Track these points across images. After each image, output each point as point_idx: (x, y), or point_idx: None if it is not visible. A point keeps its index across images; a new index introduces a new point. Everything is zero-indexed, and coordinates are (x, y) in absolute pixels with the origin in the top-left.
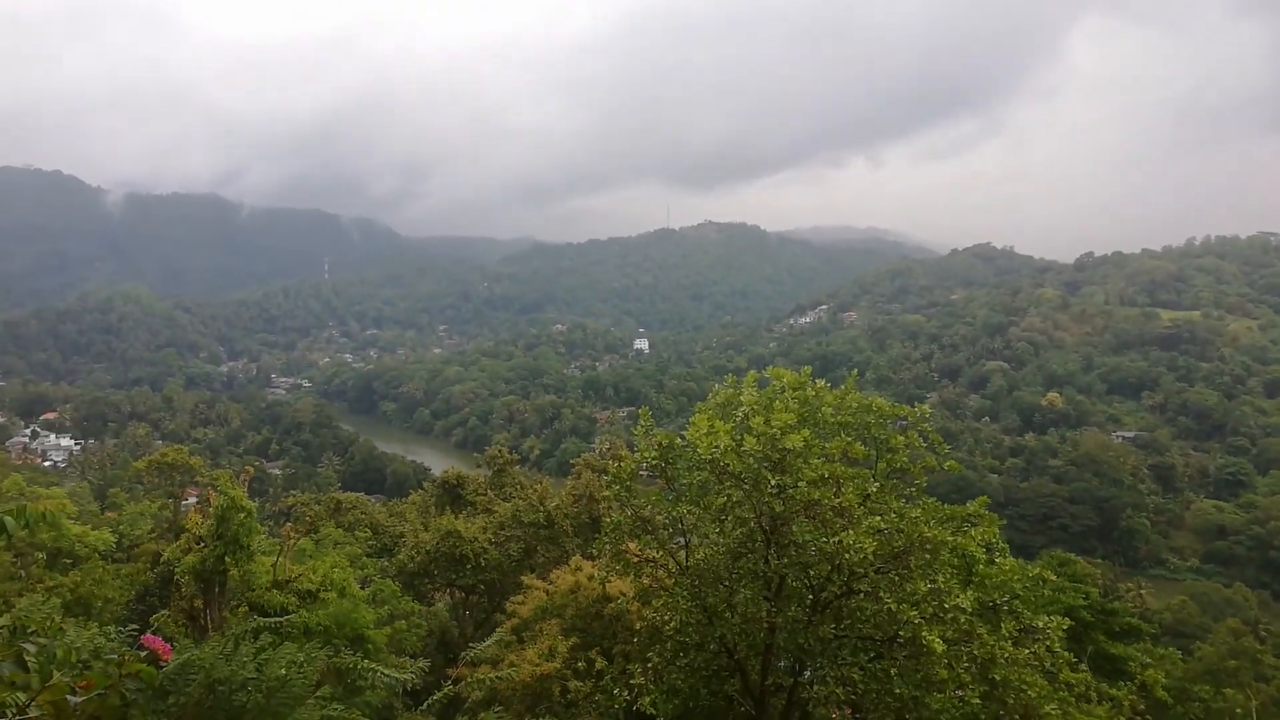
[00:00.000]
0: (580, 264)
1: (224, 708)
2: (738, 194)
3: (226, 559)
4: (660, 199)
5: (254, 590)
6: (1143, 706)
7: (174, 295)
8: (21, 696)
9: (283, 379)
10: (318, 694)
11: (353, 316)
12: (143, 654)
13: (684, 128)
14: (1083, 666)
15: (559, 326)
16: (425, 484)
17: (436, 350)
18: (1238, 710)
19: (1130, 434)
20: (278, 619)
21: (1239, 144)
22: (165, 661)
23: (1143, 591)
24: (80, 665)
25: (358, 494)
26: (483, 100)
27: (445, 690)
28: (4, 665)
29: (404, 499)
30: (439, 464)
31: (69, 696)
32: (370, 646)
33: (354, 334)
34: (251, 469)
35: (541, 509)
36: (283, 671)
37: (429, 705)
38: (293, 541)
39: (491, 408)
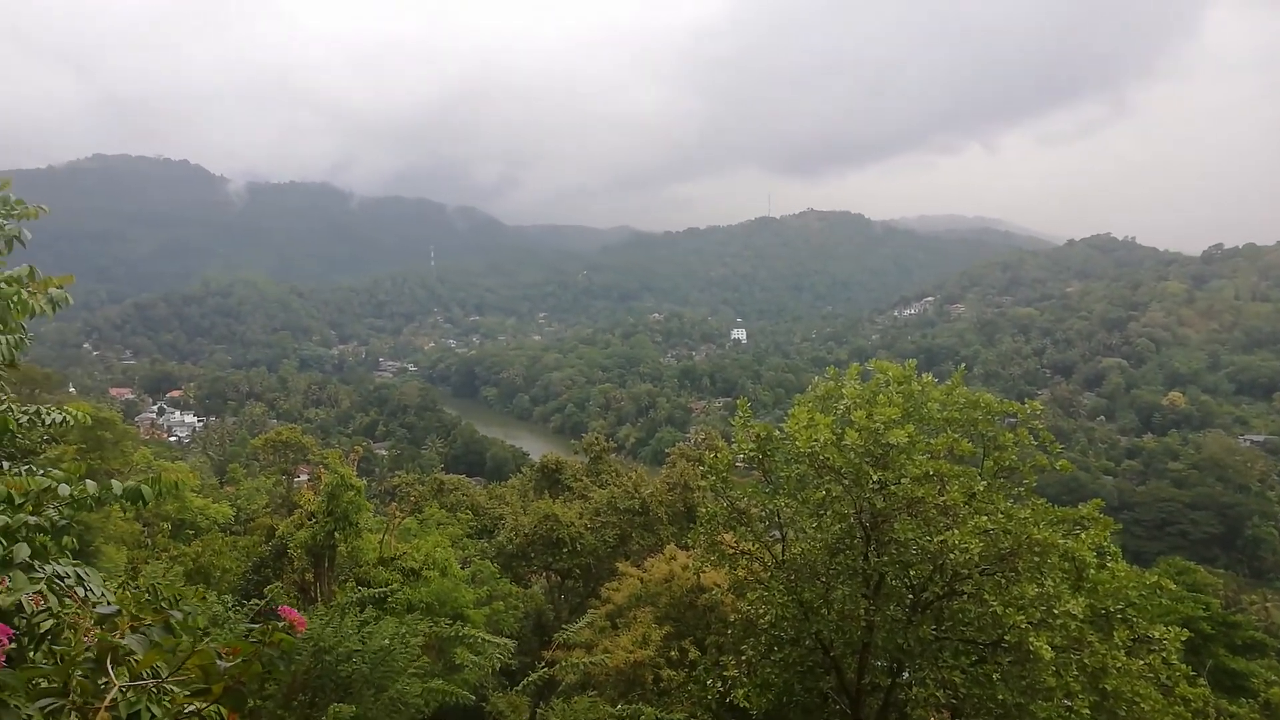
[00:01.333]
0: (678, 253)
1: (330, 676)
2: (845, 181)
3: (336, 535)
4: (761, 186)
5: (361, 566)
6: None
7: (288, 280)
8: (164, 663)
9: (390, 363)
10: (417, 666)
11: (456, 303)
12: (281, 624)
13: (792, 112)
14: (1201, 681)
15: (656, 315)
16: (524, 468)
17: (536, 337)
18: None
19: (1260, 438)
20: (381, 591)
21: None
22: (300, 632)
23: (1269, 605)
24: (204, 631)
25: (459, 476)
26: (589, 87)
27: (540, 672)
28: (154, 630)
29: (504, 482)
30: (537, 449)
31: (216, 662)
32: (470, 625)
33: (457, 320)
34: (360, 449)
35: (637, 496)
36: (386, 642)
37: (524, 686)
38: (398, 520)
39: (589, 395)
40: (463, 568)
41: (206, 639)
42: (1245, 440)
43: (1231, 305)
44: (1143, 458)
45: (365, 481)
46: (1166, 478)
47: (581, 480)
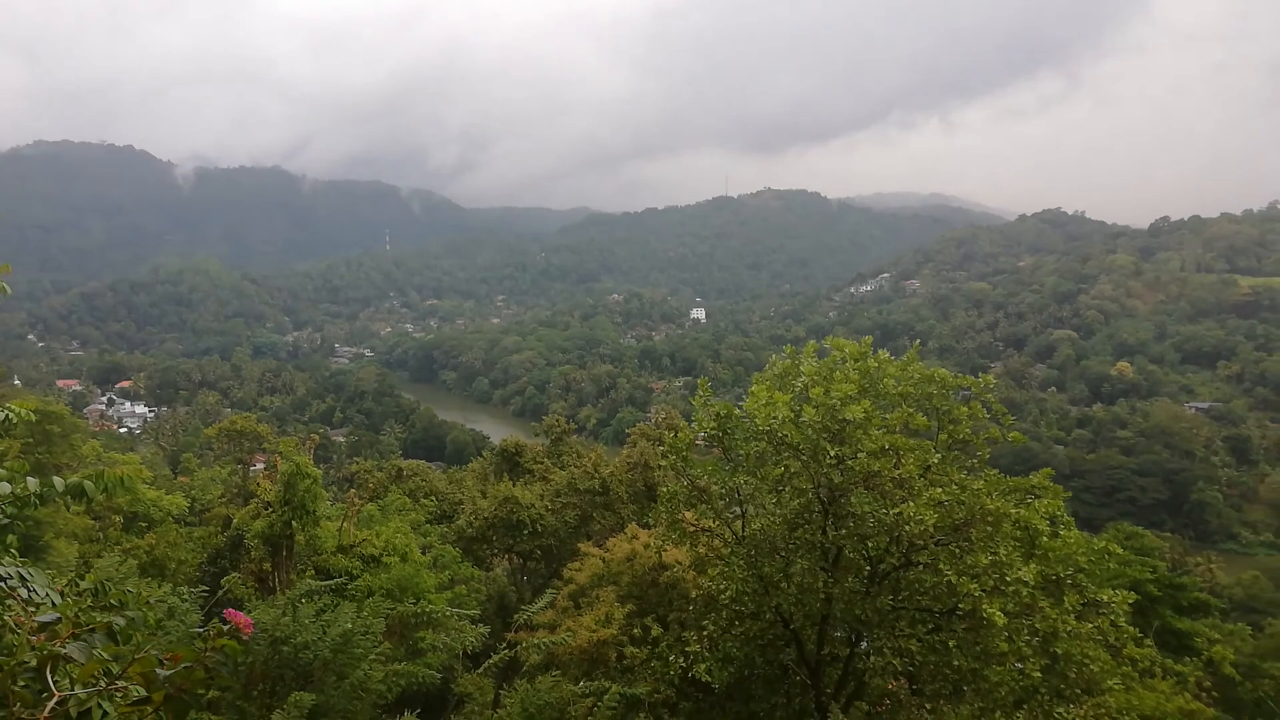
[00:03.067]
0: (637, 233)
1: (290, 665)
2: (804, 159)
3: (293, 524)
4: (720, 166)
5: (320, 554)
6: (1209, 683)
7: (241, 266)
8: (115, 667)
9: (346, 348)
10: (379, 652)
11: (413, 287)
12: (226, 627)
13: (755, 91)
14: (1148, 642)
15: (615, 296)
16: (484, 452)
17: (494, 320)
18: None
19: (1204, 405)
20: (339, 580)
21: None
22: (247, 636)
23: (1213, 566)
24: (158, 625)
25: (419, 461)
26: (552, 68)
27: (503, 653)
28: (97, 637)
29: (463, 466)
30: (497, 432)
31: (157, 670)
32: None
33: (414, 304)
34: (317, 437)
35: (597, 477)
36: (348, 626)
37: (487, 667)
38: (357, 507)
39: (549, 377)
40: (423, 553)
41: (162, 635)
42: (1191, 408)
43: (1177, 277)
44: (1092, 427)
45: (323, 469)
46: (1115, 446)
47: (542, 462)
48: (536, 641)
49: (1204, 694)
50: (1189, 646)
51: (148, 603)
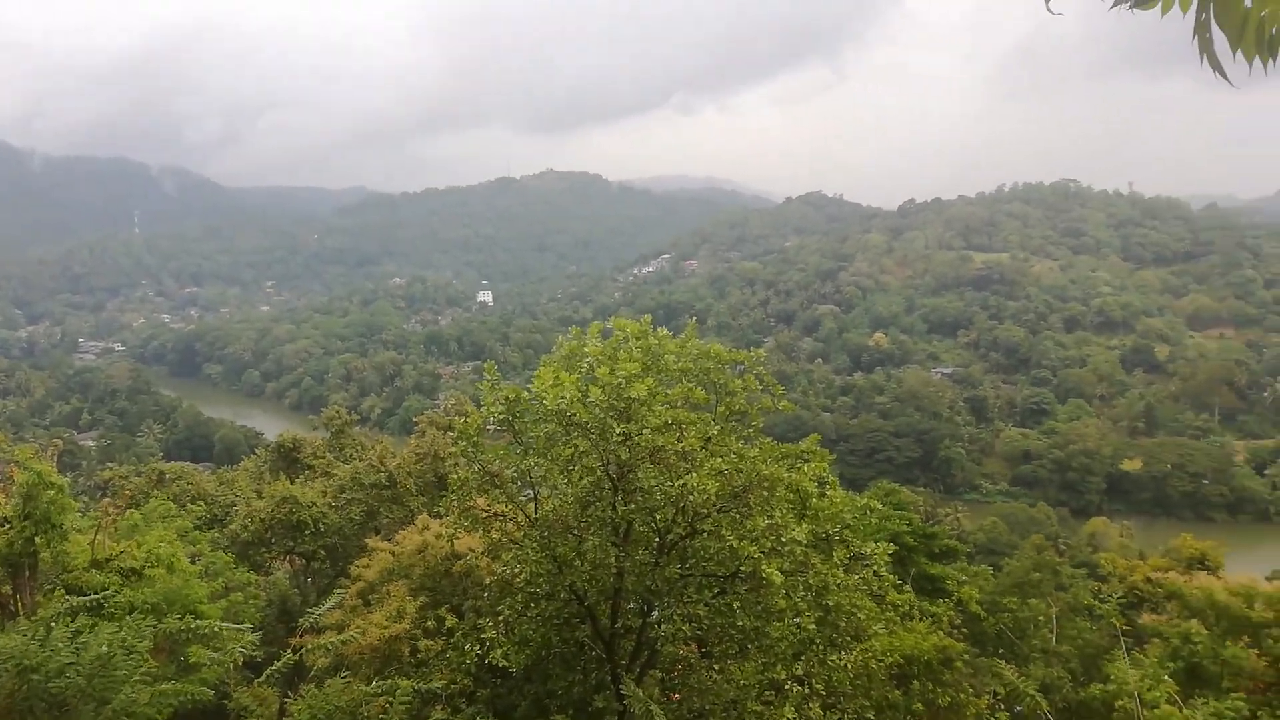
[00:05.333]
0: (418, 214)
1: (40, 696)
2: (589, 140)
3: (36, 540)
4: (504, 145)
5: (70, 571)
6: (959, 620)
7: None
8: None
9: (92, 343)
10: (144, 673)
11: (169, 274)
12: None
13: (540, 69)
14: (906, 588)
15: (397, 280)
16: (258, 449)
17: (264, 308)
18: (1040, 617)
19: (948, 370)
20: (95, 598)
21: (1061, 91)
22: None
23: (959, 515)
24: None
25: (183, 463)
26: (324, 31)
27: (285, 658)
28: None
29: (235, 466)
30: (272, 428)
31: None
32: (202, 620)
33: (171, 293)
34: (60, 442)
35: (383, 469)
36: (104, 649)
37: (268, 676)
38: (112, 517)
39: (327, 367)
40: (193, 562)
41: None
42: (937, 373)
43: (922, 254)
44: (854, 394)
45: (70, 477)
46: (874, 411)
47: (323, 457)
48: (323, 643)
49: (955, 630)
50: (941, 589)
51: None
